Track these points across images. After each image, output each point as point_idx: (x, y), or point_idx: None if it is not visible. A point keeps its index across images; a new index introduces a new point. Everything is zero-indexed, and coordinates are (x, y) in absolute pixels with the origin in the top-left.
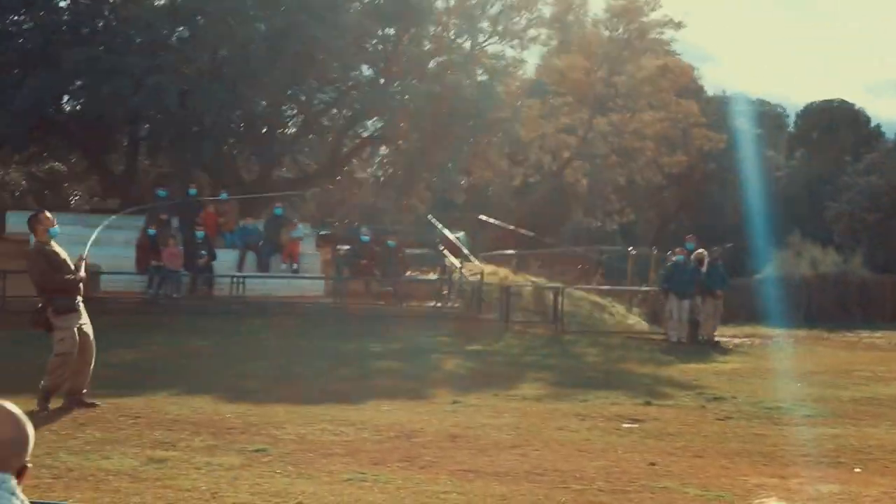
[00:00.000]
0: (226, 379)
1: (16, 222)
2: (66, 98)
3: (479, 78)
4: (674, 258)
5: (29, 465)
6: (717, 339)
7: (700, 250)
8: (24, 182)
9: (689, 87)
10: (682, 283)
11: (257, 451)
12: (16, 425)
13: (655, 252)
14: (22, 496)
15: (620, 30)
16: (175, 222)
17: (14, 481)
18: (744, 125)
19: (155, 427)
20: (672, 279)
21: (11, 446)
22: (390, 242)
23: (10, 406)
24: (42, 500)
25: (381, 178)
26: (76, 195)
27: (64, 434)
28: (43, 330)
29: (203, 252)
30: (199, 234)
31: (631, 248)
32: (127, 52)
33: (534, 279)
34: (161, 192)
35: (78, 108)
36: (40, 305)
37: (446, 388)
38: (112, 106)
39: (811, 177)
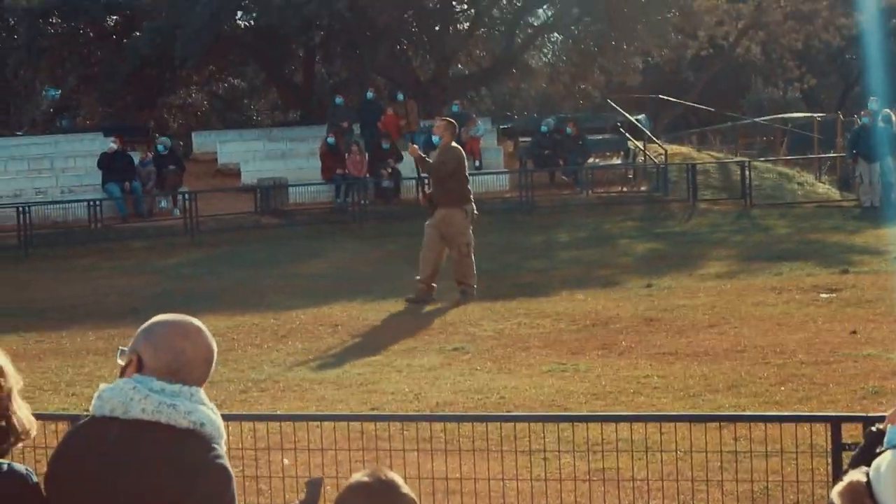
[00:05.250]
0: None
1: (202, 142)
2: (239, 13)
3: None
4: (860, 121)
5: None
6: None
7: (886, 110)
8: (206, 103)
9: None
10: (869, 145)
11: (456, 349)
12: (205, 343)
13: (841, 117)
14: (210, 404)
15: None
16: (357, 129)
17: (203, 392)
18: None
19: (354, 334)
20: (859, 143)
21: (201, 363)
22: (569, 130)
23: (199, 324)
24: (250, 413)
25: (557, 67)
26: (257, 110)
27: (267, 347)
28: None
29: (389, 163)
30: (385, 146)
31: (816, 114)
32: None
33: (718, 155)
34: (338, 100)
35: (251, 21)
36: None
37: (638, 272)
38: (285, 16)
39: None
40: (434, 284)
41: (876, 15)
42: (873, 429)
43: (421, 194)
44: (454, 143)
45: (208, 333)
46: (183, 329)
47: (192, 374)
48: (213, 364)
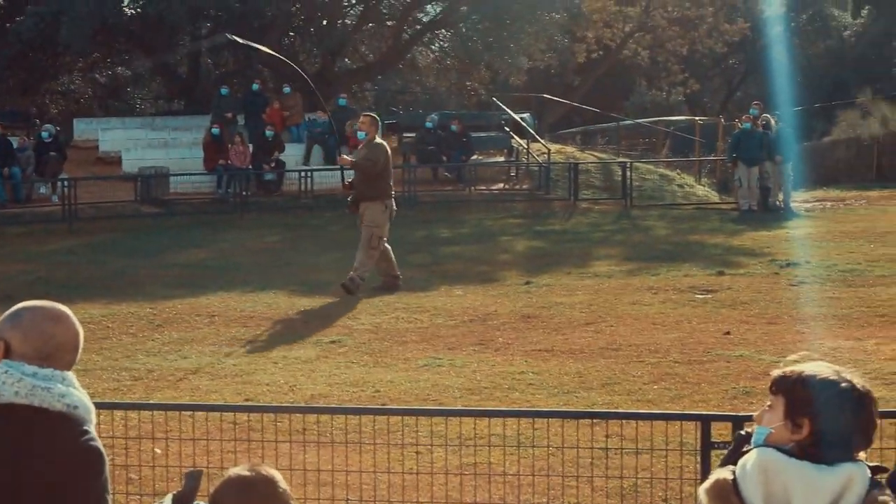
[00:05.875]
0: (298, 273)
1: (83, 129)
2: (125, 0)
3: None
4: (741, 125)
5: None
6: (791, 204)
7: (765, 115)
8: (89, 90)
9: None
10: (749, 150)
11: (333, 342)
12: (74, 328)
13: (722, 121)
14: (80, 388)
15: None
16: (241, 120)
17: (73, 376)
18: None
19: (231, 324)
20: (740, 147)
21: (71, 348)
22: (454, 127)
23: (66, 309)
24: (123, 401)
25: (444, 64)
26: (141, 99)
27: (142, 336)
28: None
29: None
30: (269, 133)
31: (698, 118)
32: None
33: (601, 155)
34: (224, 91)
35: (138, 9)
36: None
37: (518, 269)
38: (172, 5)
39: (879, 35)
40: (398, 273)
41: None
42: (742, 432)
43: (344, 183)
44: (378, 139)
45: (75, 319)
46: (52, 314)
47: (62, 359)
48: (80, 351)
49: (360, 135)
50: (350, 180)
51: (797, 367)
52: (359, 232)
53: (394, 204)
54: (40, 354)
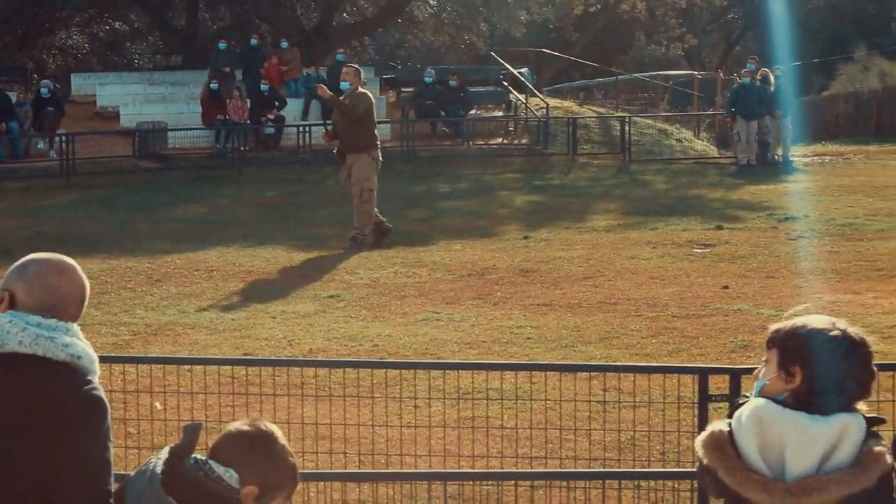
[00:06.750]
0: (296, 228)
1: (81, 84)
2: None
3: None
4: (740, 80)
5: None
6: (791, 158)
7: (764, 69)
8: (86, 45)
9: None
10: (748, 104)
11: (331, 296)
12: (80, 281)
13: (721, 75)
14: (84, 339)
15: None
16: (238, 75)
17: (77, 327)
18: None
19: (229, 279)
20: (738, 101)
21: (76, 300)
22: (452, 82)
23: (72, 262)
24: (122, 355)
25: (442, 18)
26: (138, 54)
27: (140, 291)
28: None
29: (270, 117)
30: (264, 87)
31: (697, 72)
32: None
33: (600, 110)
34: (222, 45)
35: None
36: None
37: (516, 224)
38: None
39: None
40: (383, 219)
41: None
42: (740, 400)
43: (324, 132)
44: (362, 89)
45: (82, 272)
46: (58, 266)
47: (66, 311)
48: (86, 303)
49: (344, 85)
50: (331, 129)
51: (791, 321)
52: (342, 188)
53: (380, 155)
54: (44, 306)
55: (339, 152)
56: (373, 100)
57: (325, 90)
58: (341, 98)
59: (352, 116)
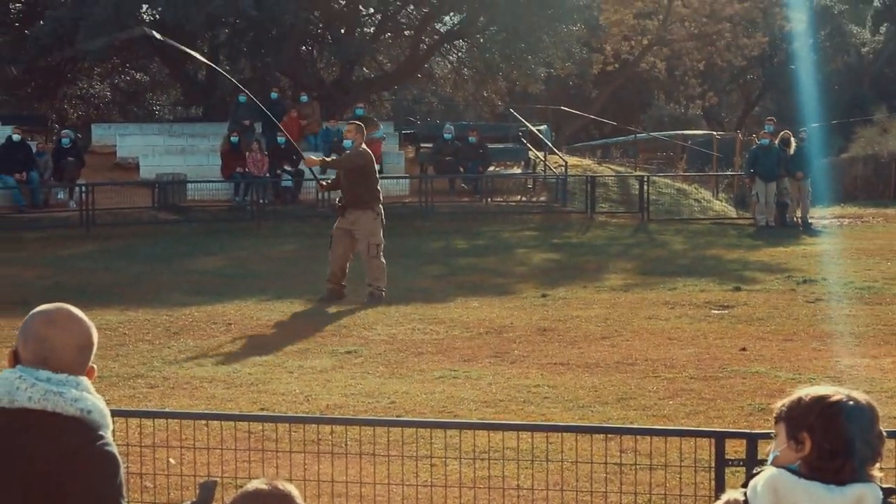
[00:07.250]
0: (314, 282)
1: (101, 135)
2: (144, 7)
3: None
4: (759, 141)
5: (94, 366)
6: (809, 220)
7: (785, 131)
8: (108, 94)
9: None
10: (767, 165)
11: (349, 352)
12: (76, 328)
13: (740, 136)
14: (96, 394)
15: None
16: (258, 128)
17: (88, 382)
18: (826, 1)
19: (247, 333)
20: (757, 162)
21: (71, 349)
22: (471, 138)
23: (72, 310)
24: (138, 409)
25: (461, 74)
26: (159, 105)
27: (158, 344)
28: None
29: (288, 169)
30: (280, 140)
31: (716, 132)
32: None
33: (618, 169)
34: (241, 99)
35: (156, 16)
36: None
37: (534, 282)
38: (190, 12)
39: None
40: (343, 284)
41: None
42: (755, 470)
43: (318, 186)
44: (364, 146)
45: (84, 319)
46: (49, 317)
47: (61, 362)
48: (91, 351)
49: (347, 143)
50: (325, 182)
51: (794, 394)
52: (331, 239)
53: (382, 210)
54: (38, 359)
55: (341, 205)
56: (372, 157)
57: (311, 160)
58: (342, 157)
59: (347, 167)
